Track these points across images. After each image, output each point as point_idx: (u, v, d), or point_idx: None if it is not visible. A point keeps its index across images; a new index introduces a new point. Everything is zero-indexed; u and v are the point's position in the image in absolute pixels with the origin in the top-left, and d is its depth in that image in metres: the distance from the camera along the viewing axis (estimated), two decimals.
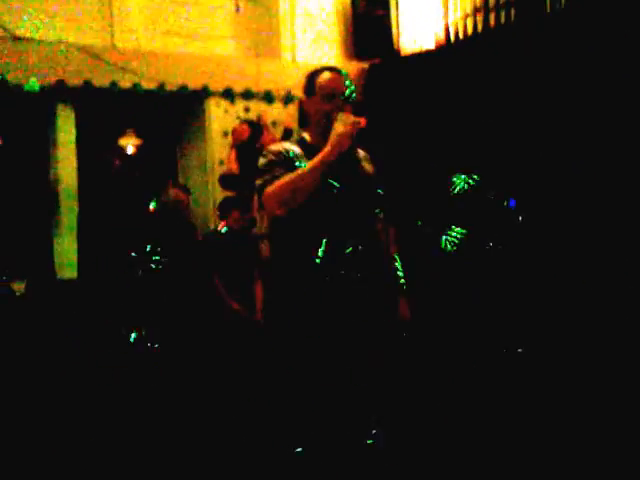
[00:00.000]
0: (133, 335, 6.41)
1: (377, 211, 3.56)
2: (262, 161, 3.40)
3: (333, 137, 3.22)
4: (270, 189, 3.28)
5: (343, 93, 3.37)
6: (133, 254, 6.34)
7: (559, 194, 7.37)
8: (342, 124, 3.23)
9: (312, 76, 3.45)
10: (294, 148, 3.39)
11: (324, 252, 3.26)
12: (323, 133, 3.32)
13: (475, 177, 6.99)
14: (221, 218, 7.07)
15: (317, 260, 3.26)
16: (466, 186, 7.04)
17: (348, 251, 3.30)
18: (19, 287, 6.99)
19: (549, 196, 7.41)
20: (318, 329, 3.30)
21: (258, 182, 3.36)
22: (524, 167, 7.55)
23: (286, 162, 3.33)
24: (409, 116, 8.56)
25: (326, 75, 3.41)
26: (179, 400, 5.62)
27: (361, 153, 3.55)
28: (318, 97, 3.38)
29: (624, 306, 6.41)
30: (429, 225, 7.23)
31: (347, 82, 3.40)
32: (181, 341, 6.33)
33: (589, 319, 6.42)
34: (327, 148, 3.23)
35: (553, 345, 6.13)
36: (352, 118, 3.24)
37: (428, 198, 7.56)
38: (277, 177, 3.29)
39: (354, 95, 3.41)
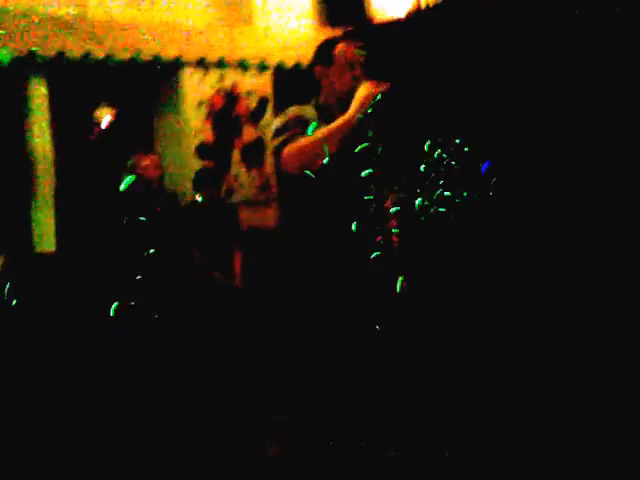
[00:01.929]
0: (113, 306, 6.42)
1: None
2: (280, 120, 3.52)
3: (356, 103, 3.33)
4: (290, 149, 3.38)
5: (360, 62, 3.46)
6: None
7: (536, 159, 7.45)
8: (365, 91, 3.30)
9: (328, 46, 3.56)
10: (308, 112, 3.53)
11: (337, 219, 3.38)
12: (340, 100, 3.44)
13: (449, 141, 7.06)
14: (196, 191, 7.10)
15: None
16: (437, 151, 7.13)
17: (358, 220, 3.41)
18: None
19: (526, 161, 7.48)
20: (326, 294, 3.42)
21: (275, 142, 3.46)
22: (501, 131, 7.61)
23: (303, 124, 3.41)
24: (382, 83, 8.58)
25: (345, 45, 3.51)
26: (161, 370, 5.66)
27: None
28: (339, 66, 3.51)
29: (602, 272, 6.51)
30: (403, 191, 7.29)
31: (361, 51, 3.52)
32: (162, 310, 6.38)
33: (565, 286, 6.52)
34: (350, 113, 3.34)
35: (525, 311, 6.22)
36: (373, 85, 3.32)
37: (401, 165, 7.61)
38: (295, 137, 3.37)
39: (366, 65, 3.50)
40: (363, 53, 3.51)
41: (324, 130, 3.34)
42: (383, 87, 3.35)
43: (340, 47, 3.51)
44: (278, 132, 3.47)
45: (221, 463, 4.20)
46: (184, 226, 6.86)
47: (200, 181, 7.06)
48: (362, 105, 3.32)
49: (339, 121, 3.35)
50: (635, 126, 7.04)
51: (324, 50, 3.58)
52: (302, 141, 3.36)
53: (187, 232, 6.83)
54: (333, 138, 3.33)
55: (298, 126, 3.43)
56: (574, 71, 7.42)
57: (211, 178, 7.02)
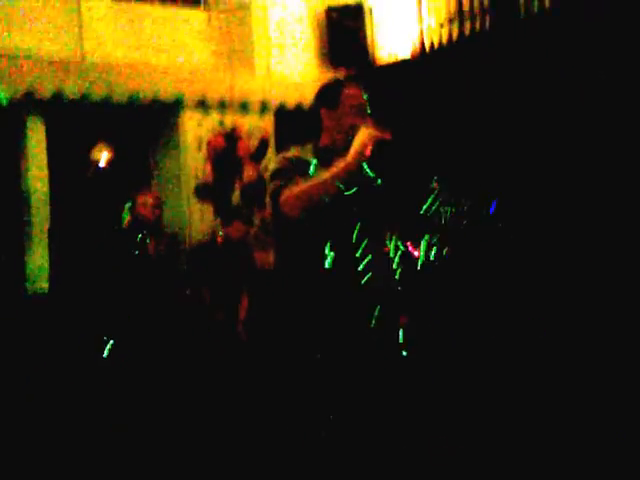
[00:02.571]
0: (107, 348, 6.21)
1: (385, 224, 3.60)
2: (278, 163, 3.43)
3: (357, 147, 3.22)
4: (289, 193, 3.27)
5: (366, 107, 3.44)
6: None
7: (539, 198, 7.34)
8: (366, 136, 3.23)
9: (334, 88, 3.50)
10: (307, 155, 3.43)
11: (334, 260, 3.26)
12: (341, 143, 3.35)
13: (449, 184, 6.95)
14: (224, 226, 6.95)
15: (326, 266, 3.26)
16: (441, 194, 7.00)
17: (357, 260, 3.31)
18: None
19: (529, 200, 7.37)
20: (322, 340, 3.29)
21: (272, 185, 3.36)
22: (502, 177, 7.50)
23: (302, 166, 3.34)
24: (385, 127, 8.50)
25: (353, 89, 3.46)
26: (156, 414, 5.49)
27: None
28: (345, 109, 3.42)
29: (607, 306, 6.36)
30: (404, 234, 7.15)
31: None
32: (160, 353, 6.17)
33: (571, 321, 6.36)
34: (350, 158, 3.23)
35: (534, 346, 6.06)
36: (376, 131, 3.25)
37: (403, 208, 7.49)
38: (293, 181, 3.28)
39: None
40: (365, 97, 3.43)
41: (322, 175, 3.27)
42: (384, 134, 3.24)
43: (347, 91, 3.44)
44: (275, 175, 3.39)
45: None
46: (196, 265, 6.73)
47: (227, 220, 6.91)
48: (361, 150, 3.22)
49: (338, 166, 3.25)
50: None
51: (329, 92, 3.52)
52: (300, 186, 3.27)
53: (199, 272, 6.68)
54: (331, 183, 3.23)
55: (297, 169, 3.35)
56: (576, 112, 7.36)
57: (238, 218, 6.89)
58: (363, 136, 3.21)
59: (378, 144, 3.20)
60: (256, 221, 8.67)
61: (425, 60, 8.80)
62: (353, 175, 3.23)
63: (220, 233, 7.00)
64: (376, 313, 3.36)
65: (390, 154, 3.28)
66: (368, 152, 3.19)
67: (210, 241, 7.09)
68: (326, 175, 3.24)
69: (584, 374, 5.32)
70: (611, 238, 6.78)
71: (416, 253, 6.96)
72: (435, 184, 7.10)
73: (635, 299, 6.16)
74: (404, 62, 8.95)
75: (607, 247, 6.76)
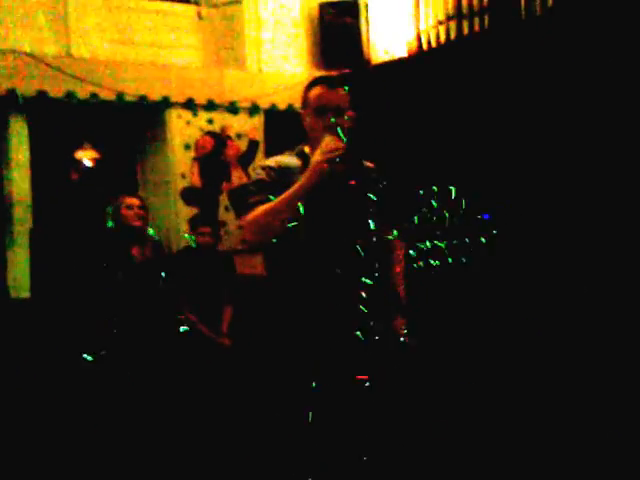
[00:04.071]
0: (90, 358, 6.02)
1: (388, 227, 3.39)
2: (254, 176, 3.21)
3: (310, 166, 2.99)
4: (248, 218, 3.06)
5: (335, 107, 3.12)
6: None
7: (534, 207, 7.15)
8: (320, 151, 2.97)
9: (306, 89, 3.24)
10: (292, 161, 3.18)
11: (316, 274, 3.07)
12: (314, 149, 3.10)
13: (447, 190, 6.76)
14: (191, 230, 6.71)
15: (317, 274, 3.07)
16: (437, 200, 6.82)
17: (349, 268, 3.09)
18: None
19: (525, 209, 7.18)
20: (311, 347, 3.08)
21: (246, 201, 3.14)
22: (500, 179, 7.30)
23: (275, 181, 3.09)
24: (380, 128, 8.28)
25: (316, 89, 3.18)
26: (138, 426, 5.31)
27: (368, 167, 3.30)
28: (310, 111, 3.17)
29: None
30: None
31: (342, 94, 3.16)
32: (143, 363, 5.98)
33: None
34: (302, 179, 2.98)
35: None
36: (333, 144, 2.96)
37: (398, 212, 7.30)
38: (260, 202, 3.05)
39: (347, 108, 3.15)
40: (329, 98, 3.13)
41: (279, 198, 3.00)
42: (337, 148, 2.94)
43: (314, 90, 3.17)
44: (249, 189, 3.17)
45: None
46: (173, 274, 6.46)
47: (194, 226, 6.65)
48: (313, 172, 2.95)
49: (293, 188, 2.98)
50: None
51: (304, 93, 3.27)
52: (258, 210, 3.02)
53: (176, 280, 6.43)
54: (287, 207, 2.97)
55: (277, 181, 3.09)
56: (576, 115, 7.14)
57: (205, 223, 6.63)
58: (317, 153, 2.96)
59: (337, 159, 2.91)
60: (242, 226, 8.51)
61: (422, 59, 8.57)
62: (315, 192, 2.95)
63: (188, 238, 6.73)
64: (369, 325, 3.12)
65: (355, 168, 3.04)
66: (321, 170, 2.92)
67: (185, 248, 6.83)
68: (280, 199, 2.98)
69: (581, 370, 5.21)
70: (611, 243, 6.61)
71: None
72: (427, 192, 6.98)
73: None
74: (400, 61, 8.71)
75: (606, 252, 6.59)
